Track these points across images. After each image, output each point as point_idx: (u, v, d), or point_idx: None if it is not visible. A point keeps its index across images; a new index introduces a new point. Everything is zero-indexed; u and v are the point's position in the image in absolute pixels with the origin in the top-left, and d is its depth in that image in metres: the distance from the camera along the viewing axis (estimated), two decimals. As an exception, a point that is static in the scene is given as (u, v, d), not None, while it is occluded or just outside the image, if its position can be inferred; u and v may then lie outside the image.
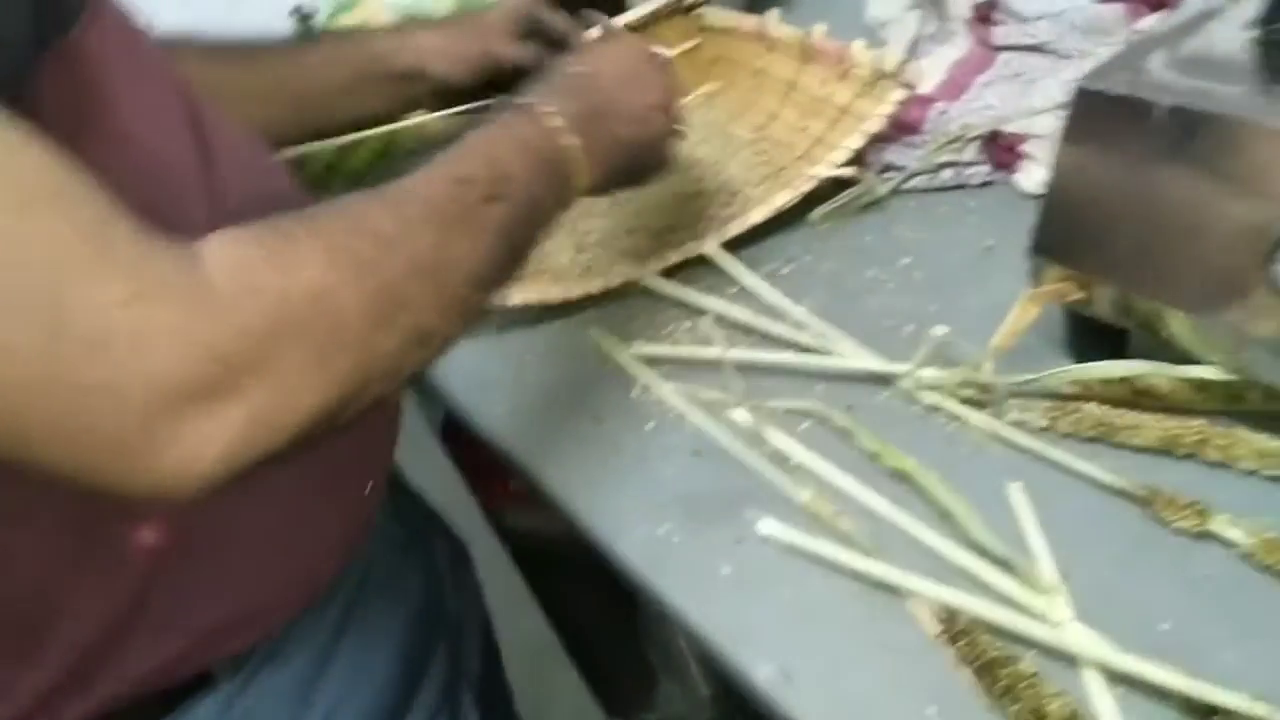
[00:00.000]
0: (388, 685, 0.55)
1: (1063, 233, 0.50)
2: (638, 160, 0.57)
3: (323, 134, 0.68)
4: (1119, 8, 0.79)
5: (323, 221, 0.38)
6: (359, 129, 0.69)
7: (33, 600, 0.42)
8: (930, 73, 0.84)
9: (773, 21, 0.80)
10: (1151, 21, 0.76)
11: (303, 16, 1.02)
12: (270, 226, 0.37)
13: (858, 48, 0.74)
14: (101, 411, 0.31)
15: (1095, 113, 0.48)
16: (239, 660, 0.49)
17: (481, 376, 0.72)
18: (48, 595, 0.42)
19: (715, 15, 0.86)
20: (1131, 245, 0.47)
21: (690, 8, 0.85)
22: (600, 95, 0.54)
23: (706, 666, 1.22)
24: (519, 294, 0.73)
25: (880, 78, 0.72)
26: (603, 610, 1.17)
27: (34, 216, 0.30)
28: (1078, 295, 0.50)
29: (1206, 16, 0.50)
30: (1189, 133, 0.44)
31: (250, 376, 0.33)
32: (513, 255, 0.46)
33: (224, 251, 0.34)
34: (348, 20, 0.99)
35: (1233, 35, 0.47)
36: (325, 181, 0.78)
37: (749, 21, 0.82)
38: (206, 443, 0.32)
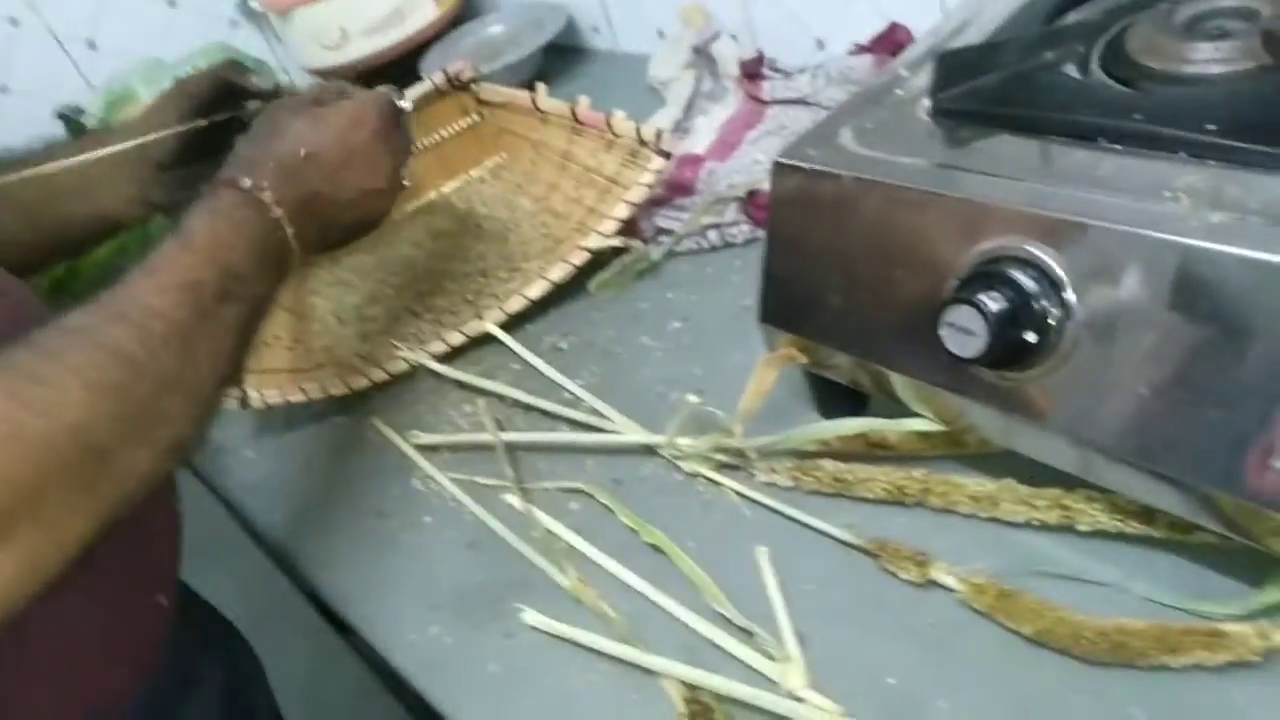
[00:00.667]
0: None
1: (781, 300, 0.52)
2: (348, 236, 0.58)
3: (64, 238, 0.64)
4: (868, 58, 0.83)
5: (72, 355, 0.39)
6: (105, 225, 0.65)
7: None
8: (703, 132, 0.87)
9: (541, 95, 0.82)
10: (897, 71, 0.80)
11: (69, 118, 0.98)
12: (20, 371, 0.37)
13: (618, 118, 0.75)
14: None
15: (792, 186, 0.50)
16: None
17: (266, 477, 0.71)
18: None
19: (490, 90, 0.86)
20: (838, 310, 0.49)
21: (464, 85, 0.86)
22: (323, 181, 0.53)
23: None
24: (303, 390, 0.72)
25: (641, 146, 0.74)
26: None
27: None
28: (803, 359, 0.52)
29: (890, 87, 0.52)
30: (870, 204, 0.46)
31: (21, 522, 0.34)
32: (245, 346, 0.48)
33: None
34: (120, 116, 0.96)
35: (910, 105, 0.50)
36: (66, 285, 0.75)
37: (521, 95, 0.83)
38: None
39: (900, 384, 0.48)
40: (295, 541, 0.64)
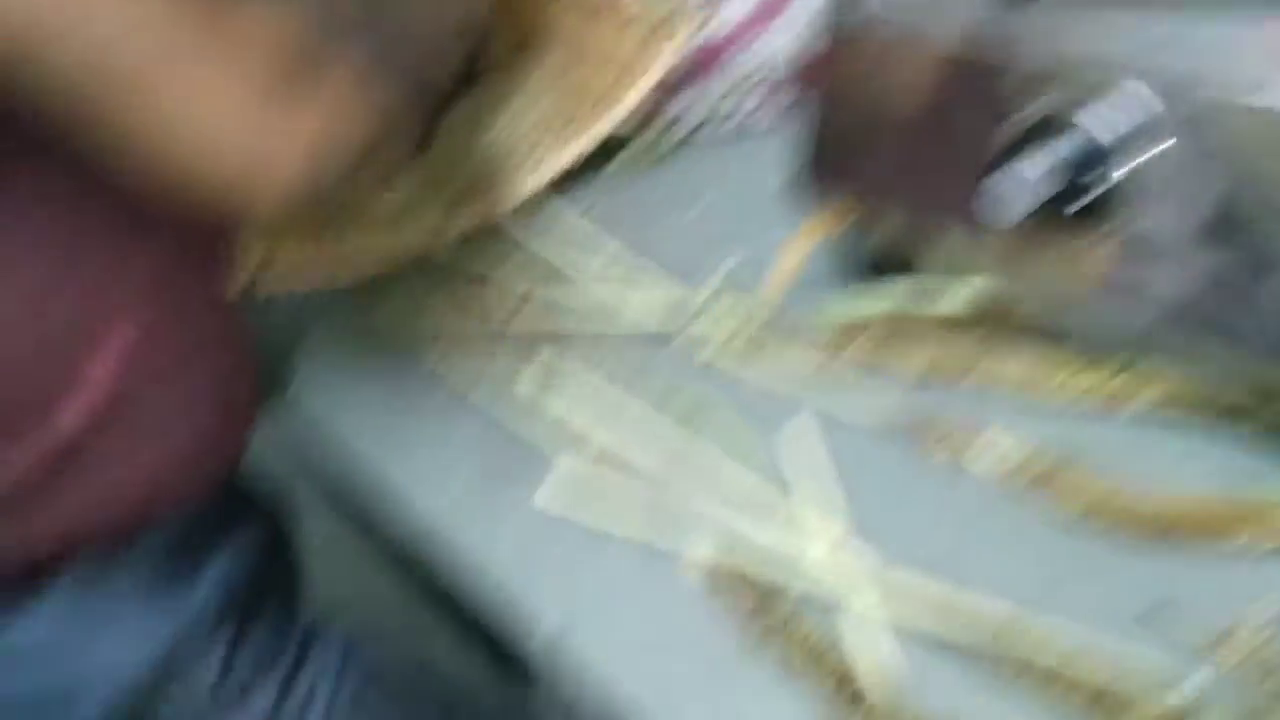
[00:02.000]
0: (224, 609, 0.53)
1: (827, 162, 0.49)
2: None
3: None
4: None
5: None
6: None
7: None
8: (730, 12, 0.83)
9: (555, -26, 0.77)
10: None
11: None
12: None
13: (634, -4, 0.71)
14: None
15: (836, 45, 0.47)
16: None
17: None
18: None
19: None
20: (888, 169, 0.47)
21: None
22: None
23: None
24: (309, 277, 0.69)
25: (659, 26, 0.70)
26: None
27: None
28: (845, 224, 0.49)
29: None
30: (918, 60, 0.43)
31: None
32: None
33: None
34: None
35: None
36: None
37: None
38: (299, 126, 0.40)
39: (952, 246, 0.46)
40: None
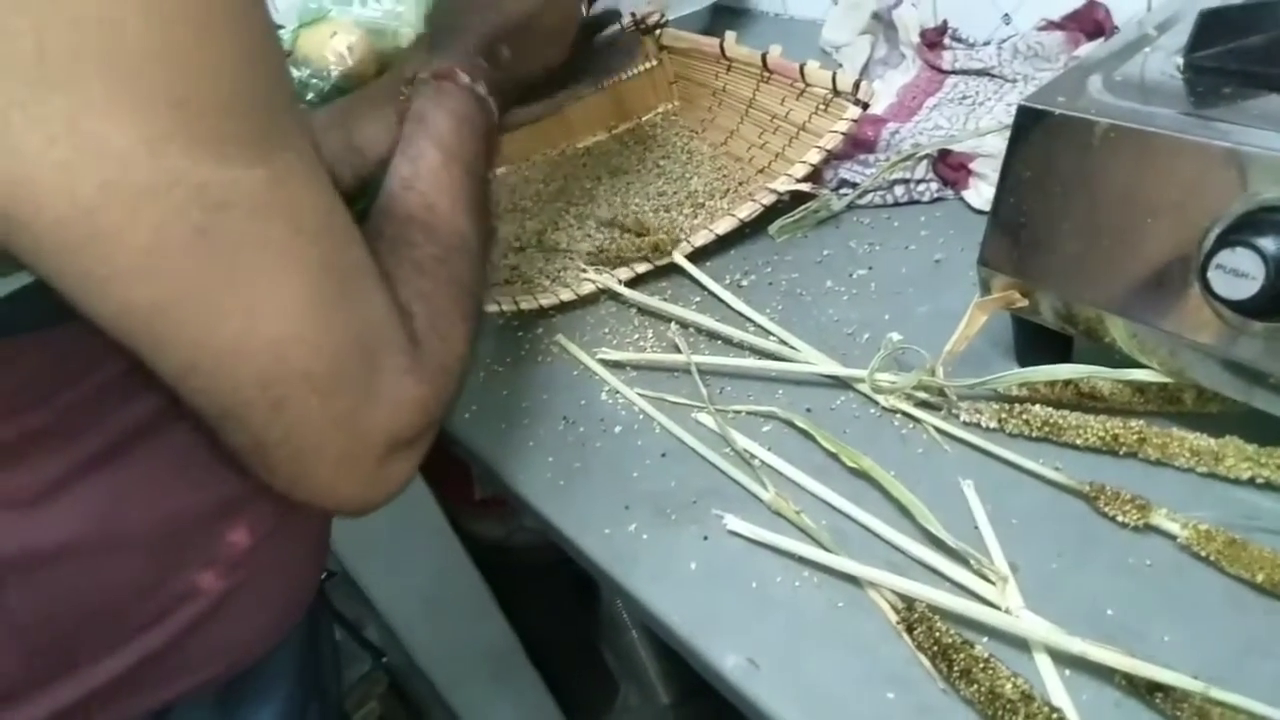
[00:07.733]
0: None
1: (1008, 244, 0.53)
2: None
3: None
4: (1060, 35, 0.83)
5: (443, 279, 0.46)
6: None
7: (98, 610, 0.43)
8: (881, 95, 0.88)
9: (730, 42, 0.83)
10: (1089, 48, 0.80)
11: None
12: (428, 302, 0.44)
13: (812, 67, 0.76)
14: (350, 439, 0.39)
15: (1038, 130, 0.51)
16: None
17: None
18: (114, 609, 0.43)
19: (675, 36, 0.88)
20: (1073, 255, 0.50)
21: (650, 29, 0.88)
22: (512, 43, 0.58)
23: (667, 674, 1.23)
24: (496, 302, 0.75)
25: (836, 96, 0.75)
26: (564, 619, 1.19)
27: (362, 287, 0.39)
28: (1023, 303, 0.53)
29: (1138, 45, 0.53)
30: (1124, 150, 0.47)
31: (432, 429, 0.43)
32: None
33: (422, 330, 0.43)
34: (312, 36, 0.99)
35: (1162, 62, 0.51)
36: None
37: (708, 42, 0.85)
38: (401, 474, 0.42)
39: (1128, 332, 0.49)
40: (481, 440, 0.67)
